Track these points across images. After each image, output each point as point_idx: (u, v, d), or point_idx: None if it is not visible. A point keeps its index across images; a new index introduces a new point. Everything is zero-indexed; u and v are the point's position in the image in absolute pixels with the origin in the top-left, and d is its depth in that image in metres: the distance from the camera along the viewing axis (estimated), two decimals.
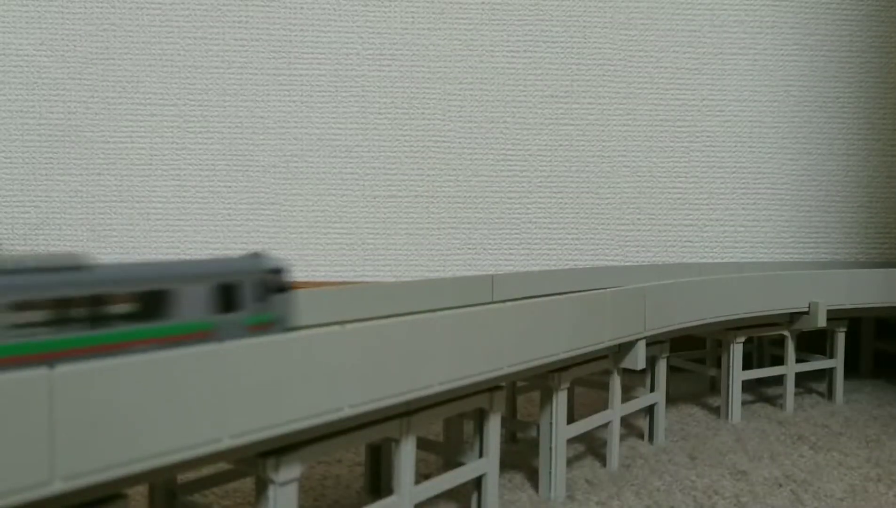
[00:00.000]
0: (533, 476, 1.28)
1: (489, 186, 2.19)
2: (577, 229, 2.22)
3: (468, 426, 1.18)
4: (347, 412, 0.79)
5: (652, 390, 1.51)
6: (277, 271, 0.91)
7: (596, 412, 1.35)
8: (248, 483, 1.20)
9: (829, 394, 1.91)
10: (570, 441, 1.34)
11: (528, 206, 2.21)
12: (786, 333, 1.81)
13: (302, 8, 2.10)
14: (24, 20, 2.03)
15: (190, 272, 0.81)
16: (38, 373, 0.54)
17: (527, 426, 1.34)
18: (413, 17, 2.15)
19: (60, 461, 0.55)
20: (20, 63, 2.04)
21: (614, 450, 1.36)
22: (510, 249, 2.20)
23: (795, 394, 1.84)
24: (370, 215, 2.15)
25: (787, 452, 1.48)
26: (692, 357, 1.99)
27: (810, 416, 1.75)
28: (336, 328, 0.79)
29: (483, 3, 2.17)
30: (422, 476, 1.16)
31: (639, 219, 2.25)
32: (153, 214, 2.08)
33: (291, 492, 0.79)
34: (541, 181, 2.21)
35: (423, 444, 1.15)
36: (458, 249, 2.17)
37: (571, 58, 2.22)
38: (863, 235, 2.36)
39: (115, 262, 0.79)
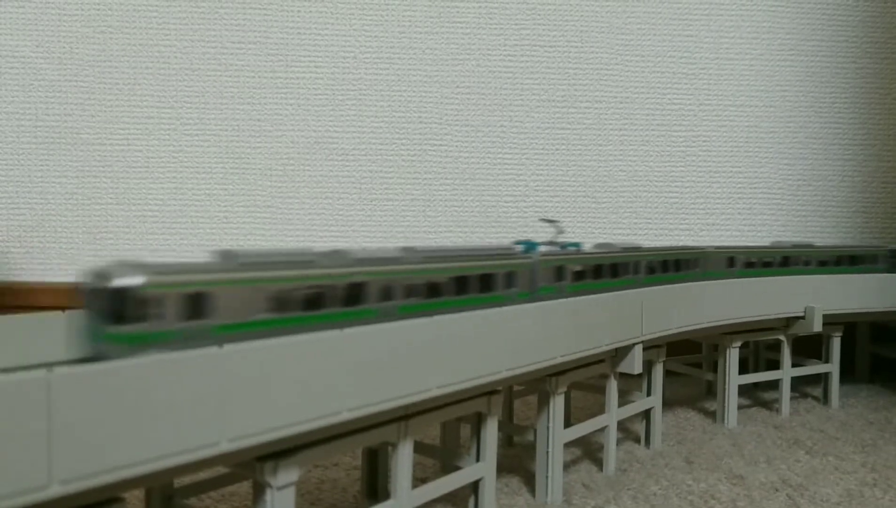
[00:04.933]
0: (530, 481, 1.28)
1: (486, 189, 2.19)
2: (573, 233, 2.22)
3: (465, 430, 1.18)
4: (345, 415, 0.79)
5: (648, 394, 1.51)
6: None
7: (593, 416, 1.35)
8: (245, 487, 1.19)
9: (825, 398, 1.92)
10: (567, 445, 1.33)
11: (525, 210, 2.21)
12: (782, 337, 1.81)
13: (299, 11, 2.11)
14: (21, 22, 2.03)
15: None
16: (37, 376, 0.54)
17: (524, 430, 1.34)
18: (410, 21, 2.15)
19: (58, 464, 0.55)
20: (17, 65, 2.03)
21: (611, 454, 1.36)
22: None
23: (791, 398, 1.84)
24: (367, 219, 2.15)
25: (784, 456, 1.48)
26: (689, 361, 1.99)
27: (806, 420, 1.76)
28: (335, 331, 0.79)
29: (480, 7, 2.17)
30: (419, 480, 1.16)
31: (635, 223, 2.25)
32: (150, 216, 2.08)
33: (289, 496, 0.79)
34: (537, 185, 2.22)
35: (420, 448, 1.15)
36: None
37: (568, 62, 2.22)
38: (858, 239, 2.37)
39: None
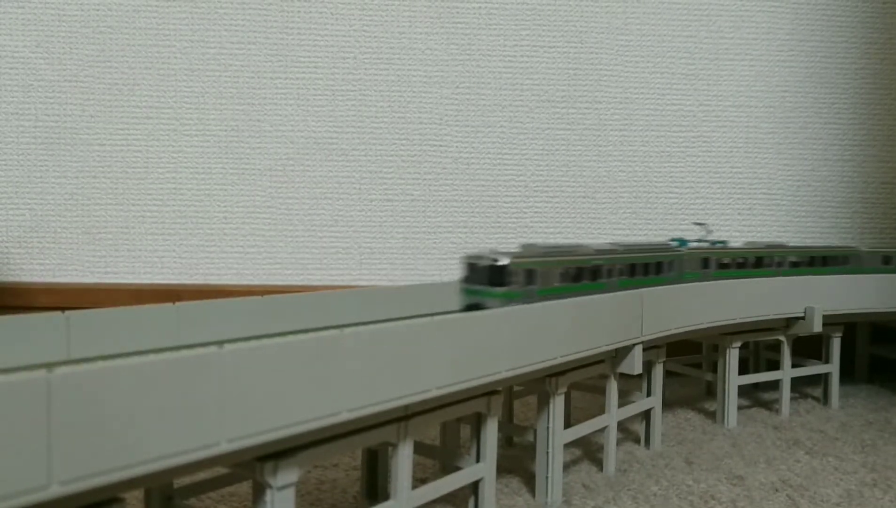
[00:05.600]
0: (530, 481, 1.27)
1: (485, 190, 2.19)
2: (573, 233, 2.23)
3: (465, 431, 1.18)
4: (345, 416, 0.79)
5: (648, 394, 1.51)
6: None
7: (593, 416, 1.35)
8: (244, 487, 1.19)
9: (825, 399, 1.92)
10: (567, 446, 1.34)
11: (525, 210, 2.21)
12: (782, 338, 1.81)
13: (299, 11, 2.10)
14: (20, 22, 2.03)
15: None
16: (37, 376, 0.54)
17: (524, 430, 1.34)
18: (410, 21, 2.15)
19: (58, 465, 0.55)
20: (16, 65, 2.03)
21: (611, 455, 1.36)
22: None
23: (791, 399, 1.84)
24: (366, 219, 2.15)
25: (783, 457, 1.48)
26: (689, 362, 1.99)
27: (806, 421, 1.76)
28: (334, 331, 0.79)
29: (480, 7, 2.17)
30: (419, 480, 1.16)
31: (635, 224, 2.25)
32: (149, 216, 2.07)
33: (289, 496, 0.79)
34: (537, 186, 2.22)
35: (420, 448, 1.15)
36: (455, 253, 2.17)
37: (568, 63, 2.22)
38: (858, 240, 2.37)
39: None
